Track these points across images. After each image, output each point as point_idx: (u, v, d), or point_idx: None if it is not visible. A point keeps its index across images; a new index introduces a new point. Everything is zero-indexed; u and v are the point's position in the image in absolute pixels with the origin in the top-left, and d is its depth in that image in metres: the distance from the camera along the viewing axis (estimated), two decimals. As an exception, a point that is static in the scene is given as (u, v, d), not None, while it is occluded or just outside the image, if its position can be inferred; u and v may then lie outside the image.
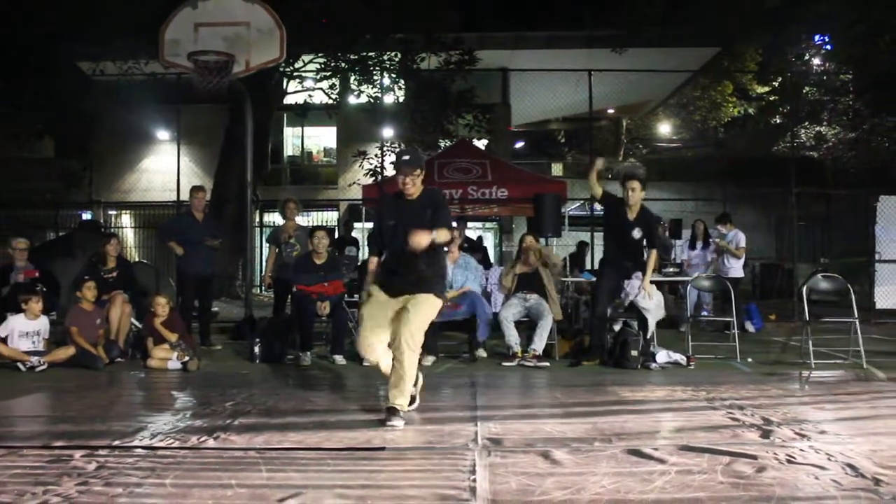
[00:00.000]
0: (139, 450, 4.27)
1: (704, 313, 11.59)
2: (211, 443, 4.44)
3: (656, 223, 8.81)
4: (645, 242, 8.10)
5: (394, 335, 5.19)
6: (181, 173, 14.79)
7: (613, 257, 8.23)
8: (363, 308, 5.52)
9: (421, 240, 5.02)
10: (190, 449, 4.30)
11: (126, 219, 23.97)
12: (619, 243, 8.14)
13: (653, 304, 7.96)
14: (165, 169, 19.99)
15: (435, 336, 8.17)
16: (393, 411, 5.02)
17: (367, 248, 9.58)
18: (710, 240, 12.21)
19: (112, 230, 20.40)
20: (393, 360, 5.18)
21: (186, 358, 7.92)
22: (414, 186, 5.39)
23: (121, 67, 15.34)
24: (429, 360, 7.99)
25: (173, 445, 4.37)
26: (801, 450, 4.18)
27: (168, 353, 8.00)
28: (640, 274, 8.05)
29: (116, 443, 4.42)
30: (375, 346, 5.34)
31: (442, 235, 5.23)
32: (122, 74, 15.42)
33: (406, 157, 5.43)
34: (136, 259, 19.03)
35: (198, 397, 6.35)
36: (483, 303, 8.56)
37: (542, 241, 9.37)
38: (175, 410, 5.75)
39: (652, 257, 8.13)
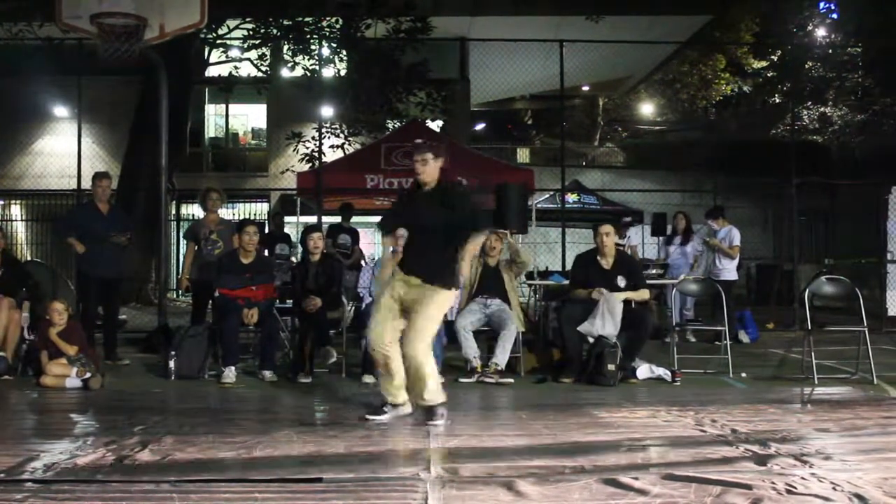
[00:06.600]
0: (29, 484, 4.19)
1: (687, 318, 11.65)
2: (116, 475, 4.37)
3: (640, 267, 8.94)
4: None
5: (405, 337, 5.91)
6: (83, 157, 14.51)
7: None
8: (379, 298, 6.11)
9: None
10: (91, 482, 4.23)
11: (16, 210, 23.58)
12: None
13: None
14: (64, 152, 19.61)
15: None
16: (431, 410, 5.82)
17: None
18: (693, 236, 12.21)
19: (-1, 223, 20.10)
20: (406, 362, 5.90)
21: (88, 374, 7.77)
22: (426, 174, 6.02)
23: (10, 30, 15.06)
24: (370, 379, 7.93)
25: (71, 479, 4.30)
26: (803, 478, 4.23)
27: (66, 369, 7.85)
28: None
29: (1, 476, 4.34)
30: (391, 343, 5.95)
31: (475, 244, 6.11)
32: (11, 39, 15.15)
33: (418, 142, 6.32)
34: (29, 258, 18.73)
35: (101, 421, 6.26)
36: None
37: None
38: (74, 437, 5.64)
39: (642, 294, 8.37)
